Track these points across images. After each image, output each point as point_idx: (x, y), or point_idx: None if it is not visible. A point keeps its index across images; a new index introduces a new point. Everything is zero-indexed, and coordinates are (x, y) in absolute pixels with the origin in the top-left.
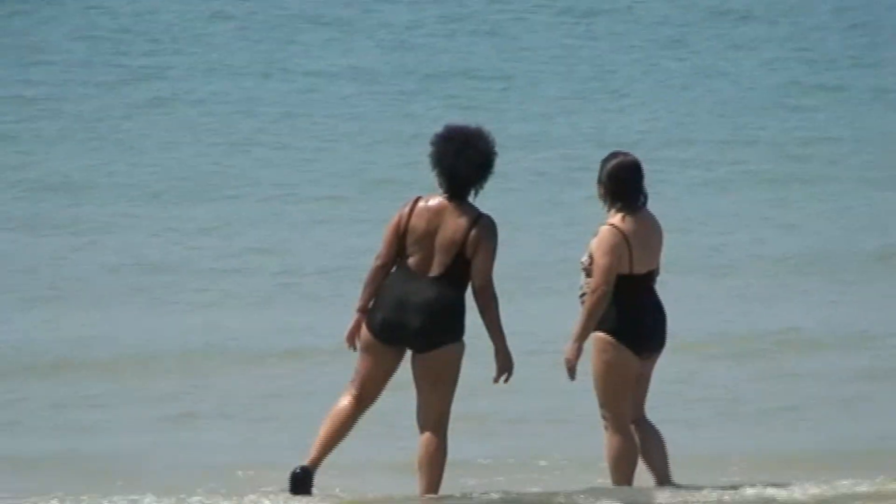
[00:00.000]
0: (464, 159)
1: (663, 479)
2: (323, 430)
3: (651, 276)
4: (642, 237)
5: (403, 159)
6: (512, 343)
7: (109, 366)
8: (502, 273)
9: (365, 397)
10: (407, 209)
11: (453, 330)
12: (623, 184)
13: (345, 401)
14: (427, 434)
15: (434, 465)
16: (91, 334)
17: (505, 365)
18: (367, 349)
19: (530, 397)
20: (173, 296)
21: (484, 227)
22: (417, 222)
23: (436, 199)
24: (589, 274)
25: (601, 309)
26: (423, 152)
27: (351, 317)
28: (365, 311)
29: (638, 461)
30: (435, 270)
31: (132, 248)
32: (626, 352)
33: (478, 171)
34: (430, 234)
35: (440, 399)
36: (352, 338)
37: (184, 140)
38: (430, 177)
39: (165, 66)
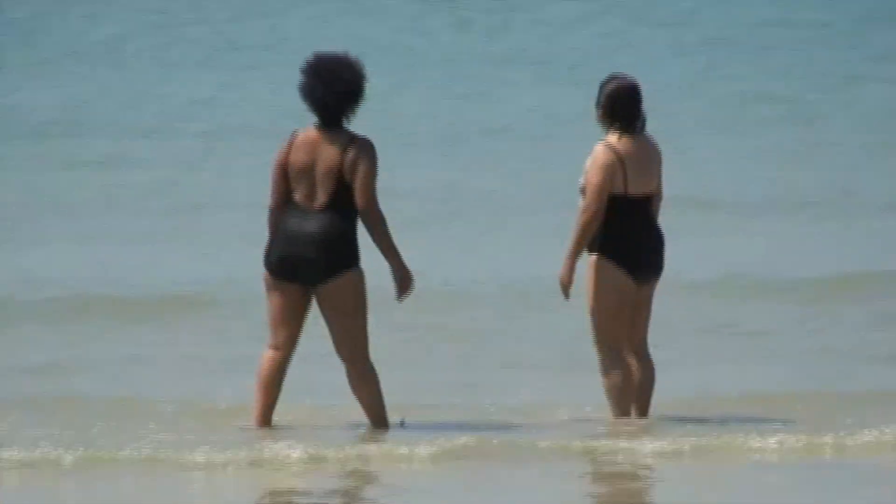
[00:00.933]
0: (331, 90)
1: (643, 409)
2: (256, 392)
3: (649, 199)
4: (639, 159)
5: None
6: None
7: None
8: None
9: (282, 344)
10: (286, 146)
11: (345, 257)
12: (620, 106)
13: (266, 355)
14: (350, 366)
15: (369, 392)
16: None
17: (404, 283)
18: (269, 291)
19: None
20: None
21: (359, 149)
22: (296, 157)
23: (311, 131)
24: (583, 195)
25: (593, 227)
26: None
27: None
28: None
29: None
30: (320, 201)
31: None
32: (620, 273)
33: (345, 100)
34: (309, 167)
35: (350, 328)
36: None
37: None
38: None
39: None
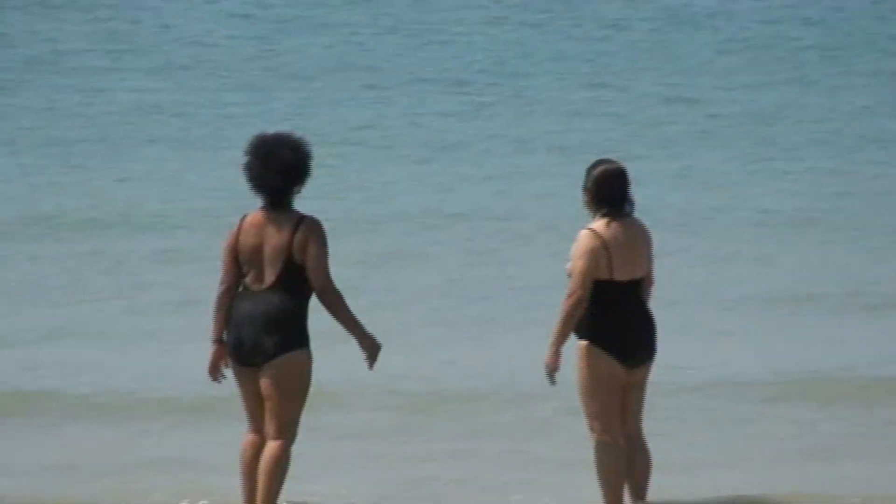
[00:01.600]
0: (267, 169)
1: (638, 495)
2: (241, 478)
3: (637, 284)
4: (624, 243)
5: None
6: None
7: None
8: None
9: (260, 427)
10: (235, 229)
11: (290, 338)
12: (608, 191)
13: (246, 440)
14: (272, 442)
15: (277, 476)
16: None
17: (371, 352)
18: (236, 377)
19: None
20: None
21: (307, 229)
22: (245, 240)
23: (258, 213)
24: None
25: (576, 313)
26: None
27: (208, 349)
28: (219, 341)
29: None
30: (267, 282)
31: None
32: (608, 359)
33: (284, 179)
34: (257, 249)
35: (287, 409)
36: (213, 369)
37: None
38: None
39: None
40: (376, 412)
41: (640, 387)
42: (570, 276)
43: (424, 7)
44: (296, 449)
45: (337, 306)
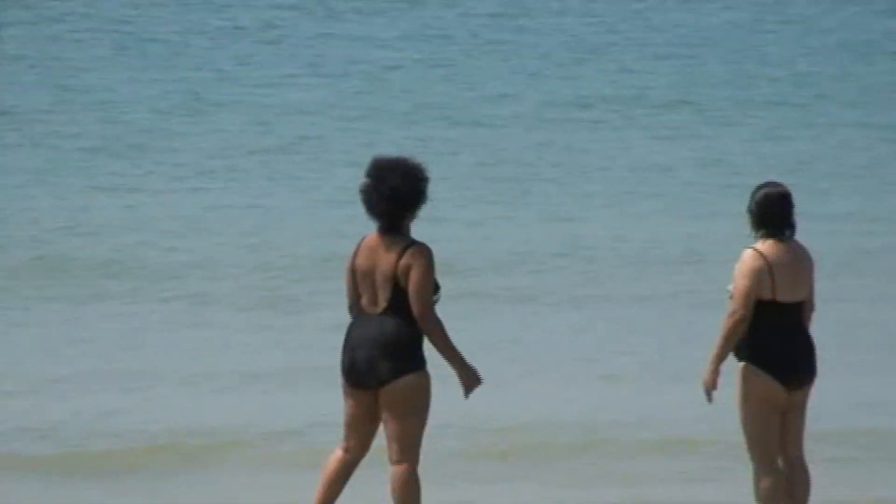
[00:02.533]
0: (377, 195)
1: None
2: (319, 487)
3: (800, 307)
4: (787, 264)
5: None
6: None
7: None
8: None
9: (351, 447)
10: (353, 250)
11: (403, 361)
12: (769, 212)
13: (334, 454)
14: (395, 466)
15: (407, 499)
16: None
17: (469, 383)
18: (344, 395)
19: None
20: None
21: (412, 256)
22: (360, 262)
23: (373, 236)
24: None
25: (738, 333)
26: None
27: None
28: None
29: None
30: (381, 306)
31: None
32: (769, 380)
33: (392, 205)
34: (371, 272)
35: (403, 430)
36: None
37: None
38: None
39: None
40: None
41: (801, 410)
42: (731, 296)
43: None
44: None
45: (435, 334)
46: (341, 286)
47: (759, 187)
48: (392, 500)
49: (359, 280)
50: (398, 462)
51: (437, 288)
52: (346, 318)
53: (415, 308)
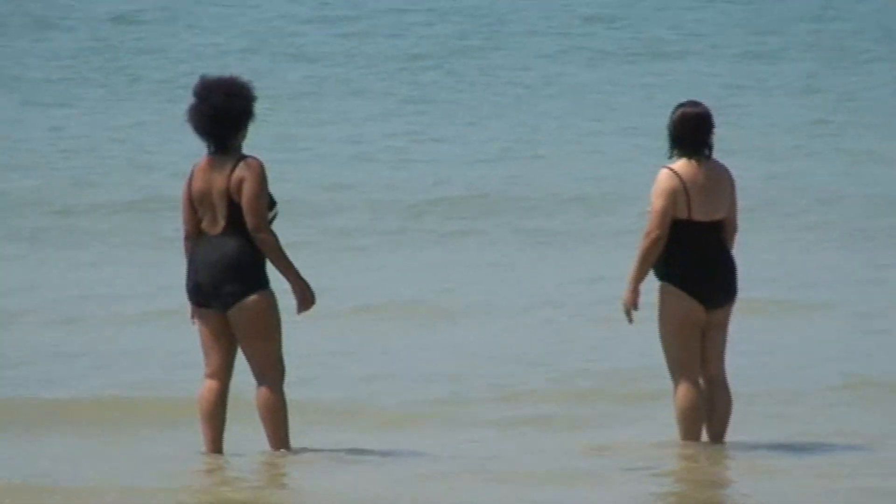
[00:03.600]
0: (198, 115)
1: (716, 438)
2: (201, 424)
3: (718, 226)
4: (703, 184)
5: None
6: None
7: None
8: None
9: (214, 371)
10: (188, 177)
11: (248, 281)
12: (686, 132)
13: (203, 386)
14: (261, 388)
15: (276, 418)
16: None
17: (304, 299)
18: (196, 318)
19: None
20: None
21: (243, 169)
22: (196, 185)
23: (205, 159)
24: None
25: (654, 252)
26: None
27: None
28: None
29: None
30: (219, 226)
31: None
32: (688, 299)
33: (217, 124)
34: (207, 193)
35: (261, 351)
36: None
37: None
38: None
39: None
40: None
41: (722, 329)
42: (649, 215)
43: None
44: None
45: (269, 248)
46: None
47: (678, 106)
48: (263, 421)
49: (197, 205)
50: (260, 384)
51: (272, 203)
52: None
53: (249, 222)
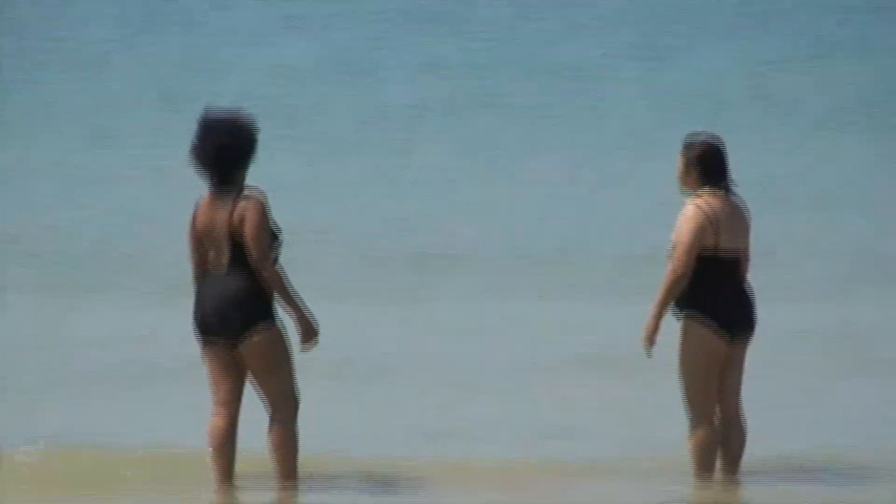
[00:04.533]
0: (199, 153)
1: (730, 470)
2: (212, 461)
3: (738, 261)
4: (730, 214)
5: None
6: None
7: None
8: None
9: (224, 401)
10: (192, 213)
11: (254, 315)
12: (712, 164)
13: (212, 423)
14: (273, 421)
15: (286, 451)
16: None
17: (306, 333)
18: (202, 351)
19: None
20: None
21: (244, 206)
22: (200, 221)
23: (208, 195)
24: (669, 258)
25: (679, 287)
26: None
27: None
28: None
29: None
30: (223, 262)
31: None
32: (710, 333)
33: (219, 161)
34: (210, 231)
35: (271, 385)
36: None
37: None
38: None
39: None
40: None
41: (740, 364)
42: (671, 249)
43: None
44: None
45: (274, 282)
46: None
47: (694, 139)
48: (272, 454)
49: (204, 241)
50: (272, 418)
51: (275, 236)
52: None
53: (251, 257)
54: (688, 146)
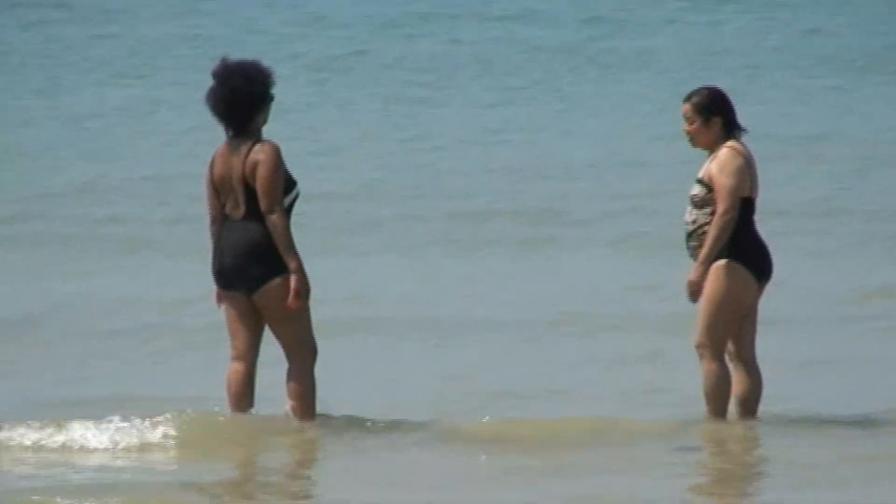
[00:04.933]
0: (215, 98)
1: (748, 413)
2: (229, 406)
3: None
4: (753, 162)
5: None
6: None
7: None
8: None
9: (242, 353)
10: (210, 161)
11: (272, 264)
12: (733, 111)
13: (230, 368)
14: (290, 368)
15: (303, 397)
16: None
17: (298, 289)
18: (218, 301)
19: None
20: None
21: (259, 153)
22: (217, 170)
23: (225, 143)
24: (697, 205)
25: (728, 232)
26: None
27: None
28: None
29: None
30: (241, 211)
31: None
32: (747, 276)
33: (231, 107)
34: (227, 178)
35: (288, 333)
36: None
37: None
38: None
39: None
40: None
41: (755, 310)
42: (694, 201)
43: None
44: None
45: (277, 228)
46: None
47: (710, 90)
48: (292, 398)
49: (220, 189)
50: (290, 365)
51: (291, 185)
52: None
53: (262, 204)
54: (703, 97)
